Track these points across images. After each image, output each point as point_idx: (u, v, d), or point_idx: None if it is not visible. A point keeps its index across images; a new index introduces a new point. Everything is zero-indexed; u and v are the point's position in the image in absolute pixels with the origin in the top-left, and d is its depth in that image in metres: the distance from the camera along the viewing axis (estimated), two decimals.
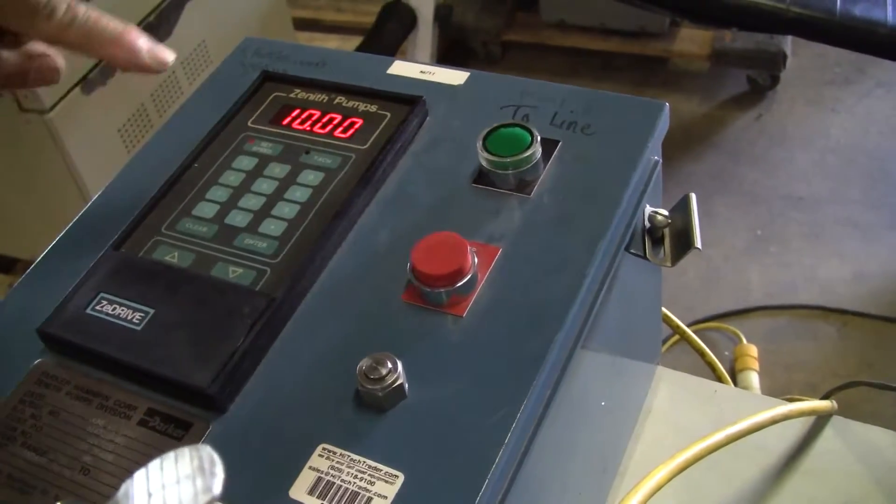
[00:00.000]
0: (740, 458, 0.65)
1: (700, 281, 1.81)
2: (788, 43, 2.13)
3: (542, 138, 0.51)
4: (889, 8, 1.64)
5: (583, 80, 2.23)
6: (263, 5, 1.82)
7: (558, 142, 0.52)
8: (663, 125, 0.55)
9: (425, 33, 2.19)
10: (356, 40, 2.12)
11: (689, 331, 0.81)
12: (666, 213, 0.54)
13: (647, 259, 0.54)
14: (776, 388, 1.58)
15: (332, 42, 2.34)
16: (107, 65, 1.34)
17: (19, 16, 0.46)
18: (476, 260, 0.45)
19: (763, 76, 2.17)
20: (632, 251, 0.53)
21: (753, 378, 1.58)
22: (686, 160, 2.05)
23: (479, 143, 0.50)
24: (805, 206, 1.95)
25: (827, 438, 0.67)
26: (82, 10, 0.47)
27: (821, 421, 0.68)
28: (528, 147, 0.49)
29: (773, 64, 2.12)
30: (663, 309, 0.73)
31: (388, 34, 2.07)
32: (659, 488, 0.48)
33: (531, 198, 0.50)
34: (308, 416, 0.42)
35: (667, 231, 0.55)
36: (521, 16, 2.34)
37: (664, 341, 1.54)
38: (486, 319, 0.44)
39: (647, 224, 0.54)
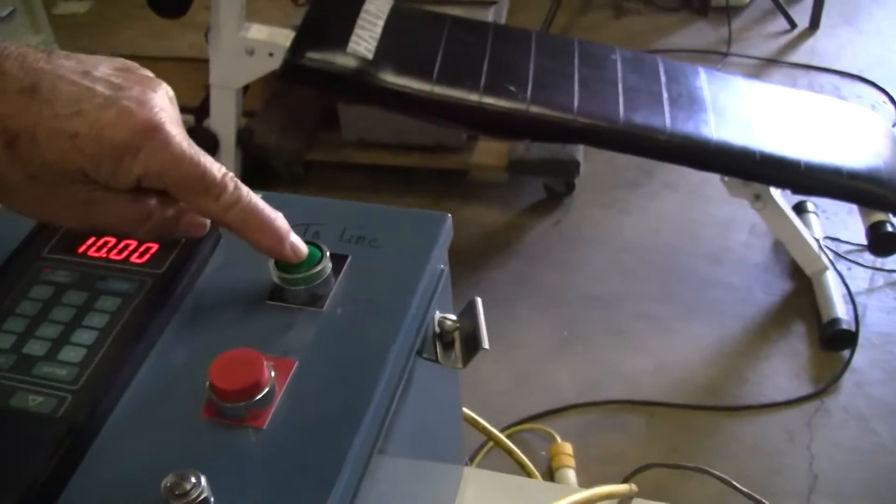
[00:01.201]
0: None
1: (511, 384, 1.88)
2: (580, 151, 2.28)
3: (331, 253, 0.54)
4: (667, 117, 1.80)
5: (385, 195, 2.31)
6: None
7: (347, 256, 0.56)
8: (447, 235, 0.60)
9: (228, 156, 2.23)
10: None
11: (496, 432, 0.86)
12: (454, 317, 0.59)
13: (438, 363, 0.58)
14: (592, 482, 1.64)
15: None
16: None
17: (191, 191, 0.49)
18: (273, 374, 0.48)
19: (558, 184, 2.31)
20: (424, 356, 0.57)
21: (570, 474, 1.64)
22: (489, 268, 2.15)
23: (271, 262, 0.53)
24: (605, 304, 2.07)
25: None
26: (244, 193, 0.50)
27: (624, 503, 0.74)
28: (318, 263, 0.53)
29: (566, 172, 2.27)
30: (473, 414, 0.77)
31: None
32: None
33: (324, 311, 0.53)
34: None
35: (456, 335, 0.59)
36: (323, 135, 2.41)
37: (480, 448, 1.59)
38: (285, 431, 0.47)
39: (438, 329, 0.59)
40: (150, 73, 0.49)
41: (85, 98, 0.46)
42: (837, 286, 2.05)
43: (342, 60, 1.83)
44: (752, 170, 1.83)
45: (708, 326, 2.04)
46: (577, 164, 2.25)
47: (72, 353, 0.50)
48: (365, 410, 0.48)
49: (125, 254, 0.55)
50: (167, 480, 0.43)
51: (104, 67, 0.48)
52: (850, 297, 2.03)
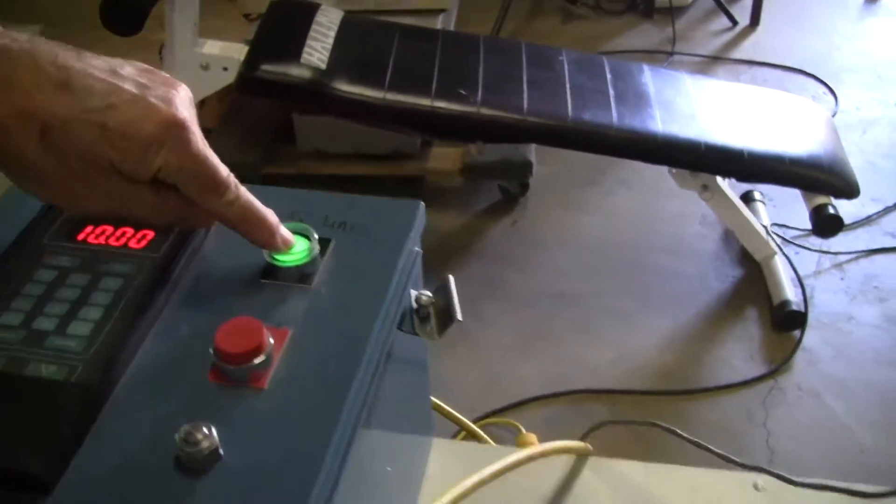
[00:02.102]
0: (511, 499, 0.76)
1: (480, 382, 1.94)
2: (532, 152, 2.34)
3: (317, 237, 0.61)
4: (614, 113, 1.87)
5: None
6: None
7: (331, 240, 0.63)
8: (421, 220, 0.67)
9: None
10: None
11: (463, 418, 0.93)
12: (430, 294, 0.65)
13: (417, 335, 0.64)
14: None
15: None
16: None
17: (201, 187, 0.55)
18: (272, 341, 0.54)
19: (513, 185, 2.38)
20: (403, 329, 0.63)
21: None
22: (450, 270, 2.18)
23: None
24: (567, 301, 2.14)
25: (586, 476, 0.79)
26: (243, 192, 0.57)
27: (580, 462, 0.80)
28: (307, 243, 0.59)
29: (520, 173, 2.34)
30: (446, 406, 0.84)
31: None
32: (465, 494, 0.57)
33: (312, 288, 0.59)
34: (132, 485, 0.48)
35: (432, 309, 0.65)
36: (280, 148, 2.44)
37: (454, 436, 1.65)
38: (284, 391, 0.53)
39: (415, 305, 0.65)
40: (168, 76, 0.55)
41: (114, 94, 0.51)
42: (786, 270, 2.13)
43: (296, 71, 1.89)
44: (698, 160, 1.91)
45: (665, 315, 2.12)
46: (529, 165, 2.32)
47: (80, 328, 0.55)
48: (355, 373, 0.54)
49: (123, 240, 0.61)
50: (181, 431, 0.48)
51: (129, 68, 0.53)
52: (799, 280, 2.11)
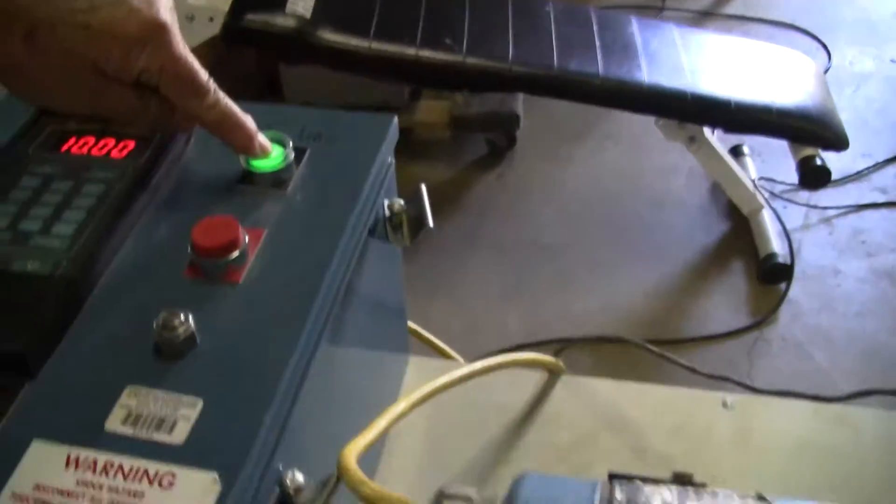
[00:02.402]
0: (483, 414, 0.79)
1: (464, 331, 1.97)
2: (520, 105, 2.37)
3: (293, 146, 0.63)
4: (600, 63, 1.90)
5: None
6: None
7: (306, 149, 0.65)
8: (394, 133, 0.69)
9: None
10: None
11: (445, 346, 0.96)
12: (402, 202, 0.68)
13: (388, 241, 0.67)
14: None
15: None
16: None
17: (182, 89, 0.58)
18: (247, 238, 0.57)
19: (500, 138, 2.41)
20: (376, 235, 0.66)
21: None
22: (437, 221, 2.22)
23: None
24: (552, 252, 2.18)
25: (557, 393, 0.83)
26: (222, 97, 0.60)
27: (552, 379, 0.84)
28: (282, 150, 0.62)
29: (507, 125, 2.36)
30: (423, 332, 0.88)
31: None
32: (403, 415, 0.60)
33: (287, 193, 0.62)
34: (114, 368, 0.51)
35: (404, 217, 0.68)
36: (268, 101, 2.47)
37: None
38: (258, 286, 0.56)
39: (387, 213, 0.68)
40: None
41: None
42: (773, 224, 2.16)
43: (281, 21, 1.91)
44: (684, 110, 1.94)
45: (651, 268, 2.15)
46: (517, 118, 2.34)
47: (64, 228, 0.57)
48: (326, 269, 0.57)
49: (105, 150, 0.63)
50: (160, 317, 0.51)
51: None
52: (786, 234, 2.14)
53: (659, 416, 0.83)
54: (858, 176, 2.40)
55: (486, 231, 2.25)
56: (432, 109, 2.41)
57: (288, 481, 0.50)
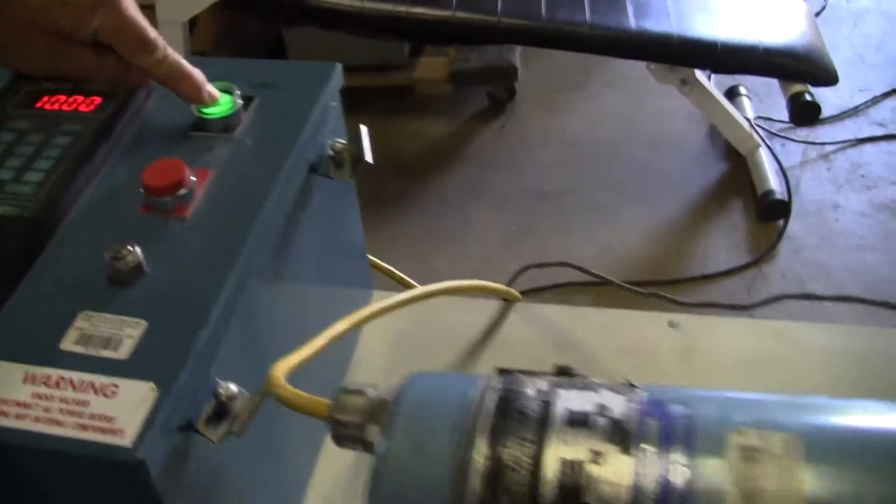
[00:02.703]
0: (441, 342, 0.87)
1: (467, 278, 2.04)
2: (518, 57, 2.43)
3: (241, 94, 0.71)
4: (587, 11, 1.95)
5: None
6: None
7: (254, 97, 0.73)
8: (337, 79, 0.76)
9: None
10: None
11: (408, 278, 1.02)
12: (344, 141, 0.75)
13: (331, 177, 0.74)
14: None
15: None
16: None
17: (132, 47, 0.68)
18: (194, 178, 0.64)
19: (500, 90, 2.47)
20: (320, 172, 0.73)
21: None
22: (440, 175, 2.31)
23: None
24: (551, 198, 2.24)
25: (511, 319, 0.90)
26: (171, 52, 0.69)
27: (508, 306, 0.90)
28: (230, 98, 0.70)
29: (506, 77, 2.42)
30: (384, 264, 0.94)
31: None
32: (340, 335, 0.65)
33: (235, 137, 0.69)
34: (71, 296, 0.58)
35: (346, 155, 0.75)
36: None
37: None
38: (203, 220, 0.63)
39: (331, 152, 0.75)
40: None
41: None
42: (771, 162, 2.21)
43: None
44: (671, 54, 1.99)
45: (649, 209, 2.21)
46: (515, 70, 2.40)
47: (33, 176, 0.65)
48: (264, 203, 0.64)
49: (74, 105, 0.71)
50: (110, 249, 0.59)
51: None
52: (782, 171, 2.19)
53: (608, 337, 0.90)
54: (856, 111, 2.44)
55: (488, 181, 2.31)
56: (432, 66, 2.47)
57: (221, 391, 0.57)
